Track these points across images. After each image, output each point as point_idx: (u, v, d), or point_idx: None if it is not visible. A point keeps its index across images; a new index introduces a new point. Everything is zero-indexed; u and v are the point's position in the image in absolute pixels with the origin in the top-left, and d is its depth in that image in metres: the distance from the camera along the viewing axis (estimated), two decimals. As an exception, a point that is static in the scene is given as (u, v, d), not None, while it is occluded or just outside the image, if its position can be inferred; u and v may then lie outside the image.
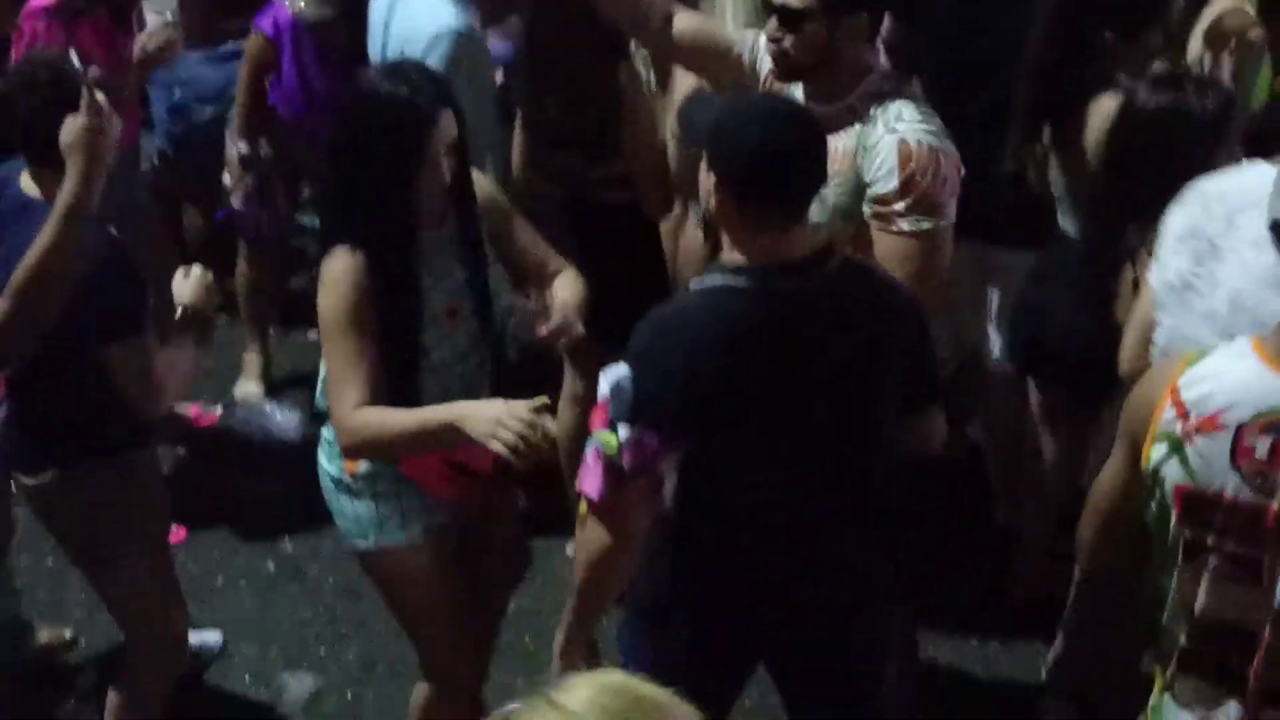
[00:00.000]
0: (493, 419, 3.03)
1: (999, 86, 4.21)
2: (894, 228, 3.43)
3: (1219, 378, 2.53)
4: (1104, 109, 3.90)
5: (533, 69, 4.72)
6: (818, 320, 2.87)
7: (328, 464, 3.55)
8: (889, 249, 3.42)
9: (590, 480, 2.87)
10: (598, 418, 2.86)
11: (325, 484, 3.58)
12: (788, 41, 3.47)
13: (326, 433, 3.52)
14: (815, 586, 3.02)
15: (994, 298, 4.60)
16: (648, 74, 4.51)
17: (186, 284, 3.66)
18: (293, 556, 5.13)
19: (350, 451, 3.32)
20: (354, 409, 3.20)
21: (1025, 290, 4.28)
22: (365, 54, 4.80)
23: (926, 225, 3.42)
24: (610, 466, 2.83)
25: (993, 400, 4.79)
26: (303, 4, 5.33)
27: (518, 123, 4.86)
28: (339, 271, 3.26)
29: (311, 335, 5.55)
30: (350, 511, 3.53)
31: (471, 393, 3.37)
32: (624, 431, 2.81)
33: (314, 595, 4.97)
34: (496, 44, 5.25)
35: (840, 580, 3.05)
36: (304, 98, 5.44)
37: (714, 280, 2.90)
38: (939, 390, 3.17)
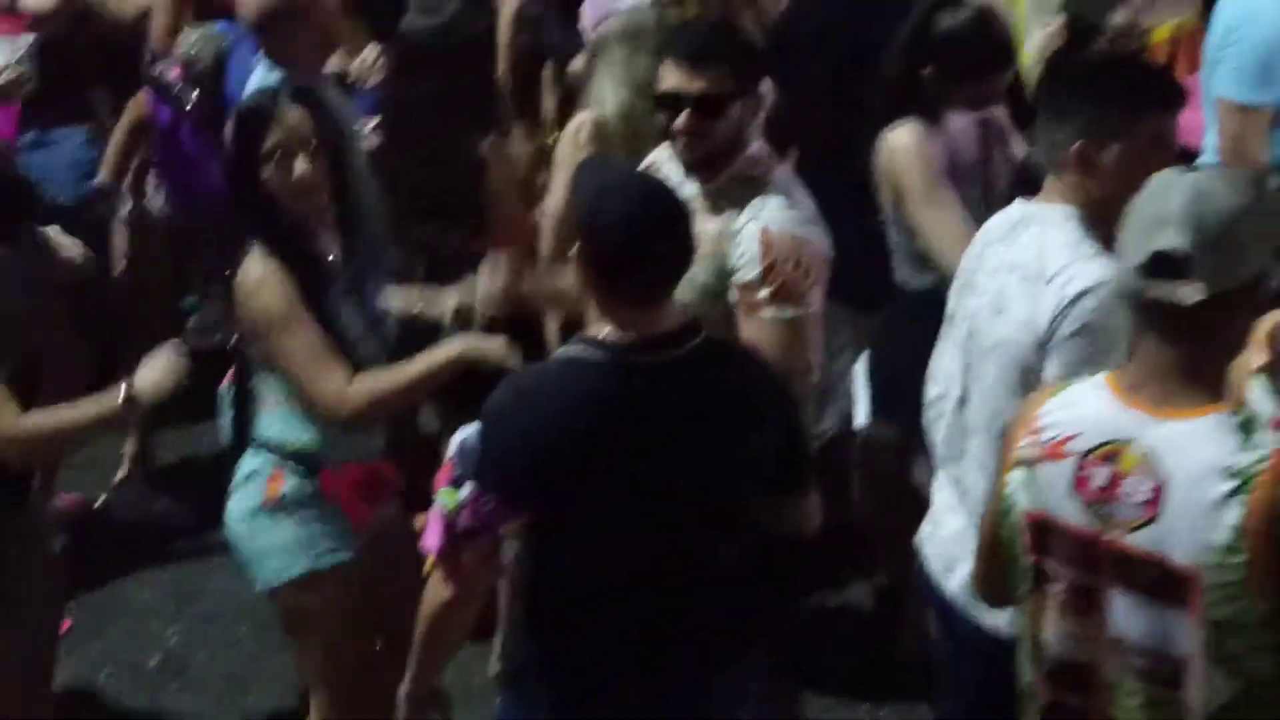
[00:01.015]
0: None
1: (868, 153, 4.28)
2: (757, 314, 3.48)
3: (1070, 408, 2.60)
4: (891, 143, 4.00)
5: (392, 133, 4.60)
6: (672, 399, 2.89)
7: (246, 498, 3.63)
8: (753, 334, 3.47)
9: (431, 535, 2.93)
10: (443, 474, 2.91)
11: (240, 525, 3.66)
12: (708, 132, 3.48)
13: (248, 464, 3.62)
14: (671, 656, 3.02)
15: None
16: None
17: (158, 368, 3.59)
18: (177, 648, 5.06)
19: (359, 421, 3.56)
20: (345, 385, 3.47)
21: (878, 347, 4.36)
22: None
23: (788, 314, 3.47)
24: (449, 524, 2.88)
25: (868, 461, 4.84)
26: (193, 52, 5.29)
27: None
28: (261, 275, 3.52)
29: (190, 426, 5.51)
30: (277, 539, 3.61)
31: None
32: (465, 490, 2.85)
33: (200, 687, 4.90)
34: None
35: (698, 652, 3.04)
36: (181, 157, 5.43)
37: (573, 350, 2.94)
38: (810, 474, 3.17)
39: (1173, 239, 2.45)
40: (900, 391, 4.21)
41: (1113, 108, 3.02)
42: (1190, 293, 2.43)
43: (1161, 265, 2.45)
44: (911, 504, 4.53)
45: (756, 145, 3.60)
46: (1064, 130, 3.05)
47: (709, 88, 3.45)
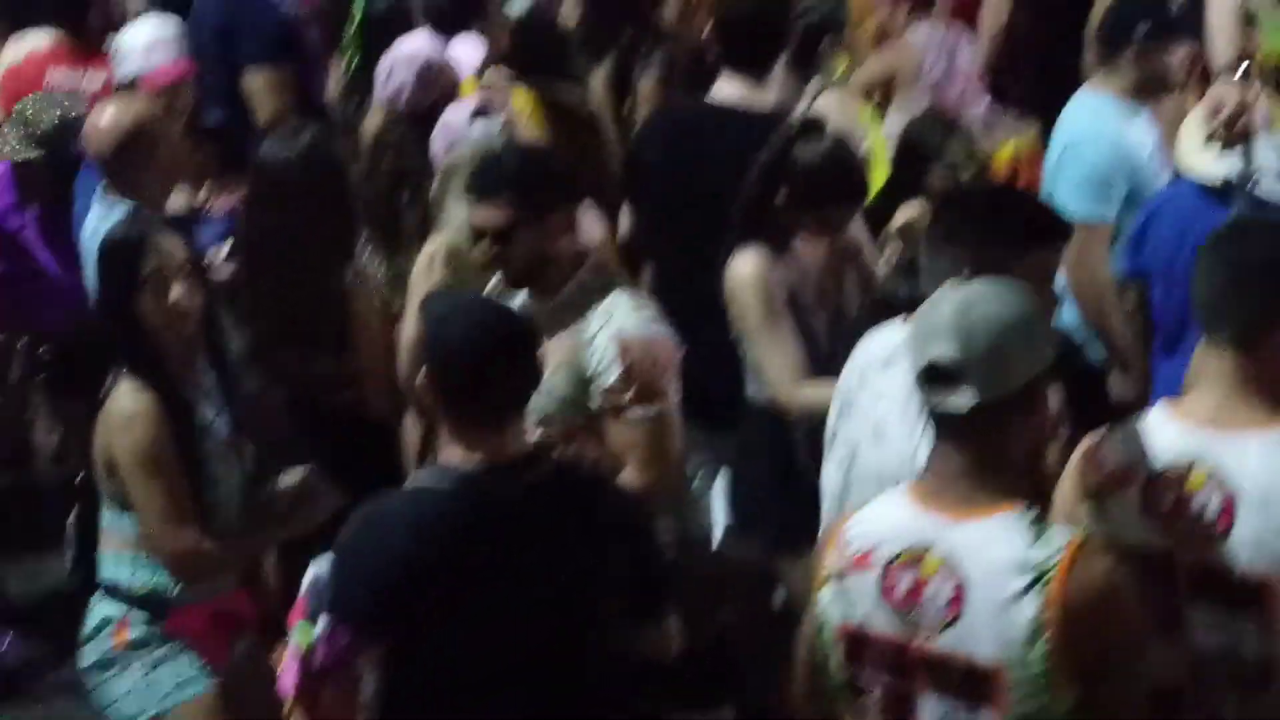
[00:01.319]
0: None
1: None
2: (623, 417, 3.56)
3: (874, 519, 2.68)
4: (734, 270, 4.07)
5: (250, 261, 4.54)
6: (521, 528, 2.89)
7: (96, 648, 3.60)
8: (619, 438, 3.57)
9: (287, 675, 2.88)
10: (298, 609, 2.88)
11: (92, 676, 3.63)
12: (506, 259, 3.61)
13: (96, 613, 3.60)
14: None
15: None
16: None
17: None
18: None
19: (197, 574, 3.55)
20: (195, 543, 3.47)
21: (735, 465, 4.39)
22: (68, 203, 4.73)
23: (653, 412, 3.57)
24: (305, 662, 2.83)
25: (729, 579, 4.84)
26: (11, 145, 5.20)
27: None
28: (132, 410, 3.49)
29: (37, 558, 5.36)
30: (128, 686, 3.57)
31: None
32: (320, 625, 2.82)
33: None
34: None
35: None
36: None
37: (423, 479, 2.96)
38: (666, 598, 3.14)
39: (944, 349, 2.54)
40: (759, 509, 4.25)
41: (1000, 242, 3.05)
42: (962, 401, 2.52)
43: (935, 375, 2.55)
44: (774, 622, 4.56)
45: (595, 257, 3.71)
46: (952, 263, 3.07)
47: (490, 219, 3.59)
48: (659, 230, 4.50)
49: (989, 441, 2.57)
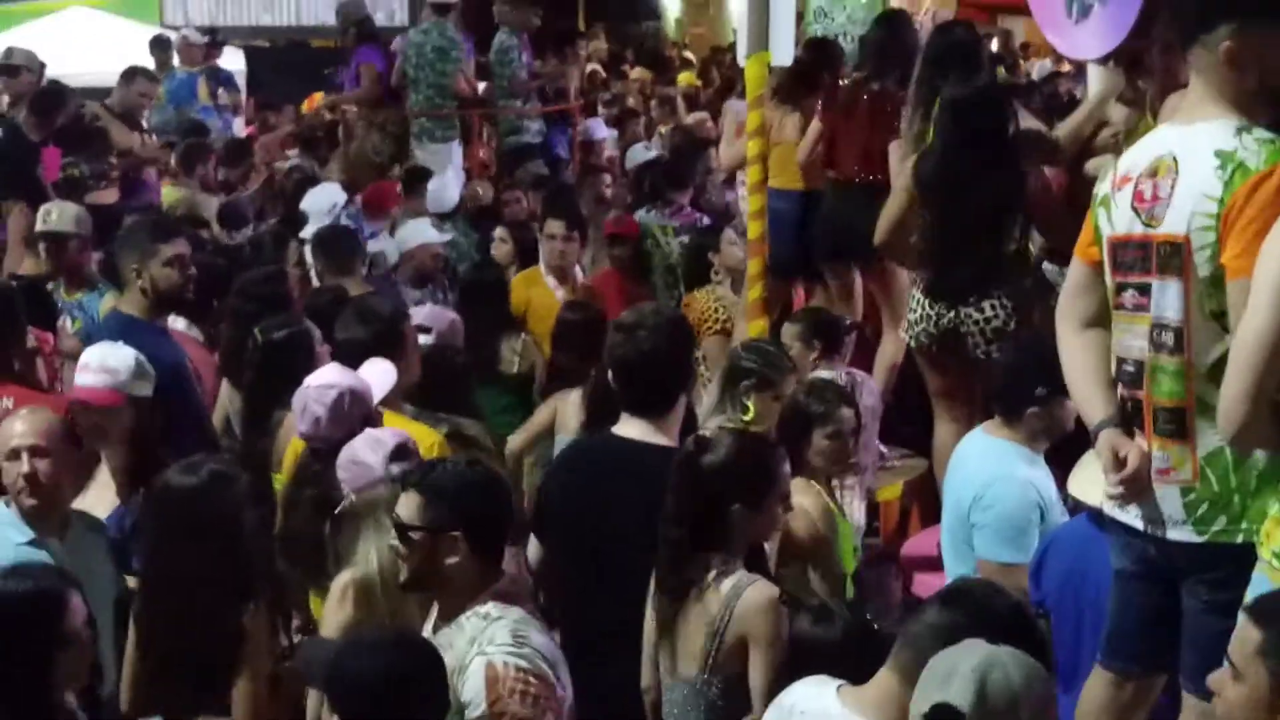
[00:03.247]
0: None
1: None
2: None
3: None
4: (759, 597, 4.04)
5: (145, 583, 4.45)
6: None
7: None
8: None
9: None
10: None
11: None
12: (401, 551, 3.69)
13: None
14: None
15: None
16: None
17: None
18: None
19: None
20: None
21: None
22: None
23: None
24: None
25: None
26: None
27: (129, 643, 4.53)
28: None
29: None
30: None
31: None
32: None
33: None
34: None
35: None
36: None
37: None
38: None
39: (956, 695, 2.67)
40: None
41: None
42: None
43: (940, 715, 2.68)
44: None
45: (505, 587, 3.70)
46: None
47: (399, 511, 3.69)
48: (566, 563, 4.54)
49: None
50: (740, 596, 3.96)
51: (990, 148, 6.05)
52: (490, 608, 3.65)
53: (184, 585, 4.27)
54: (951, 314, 6.14)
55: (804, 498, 4.78)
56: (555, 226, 7.64)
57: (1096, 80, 6.40)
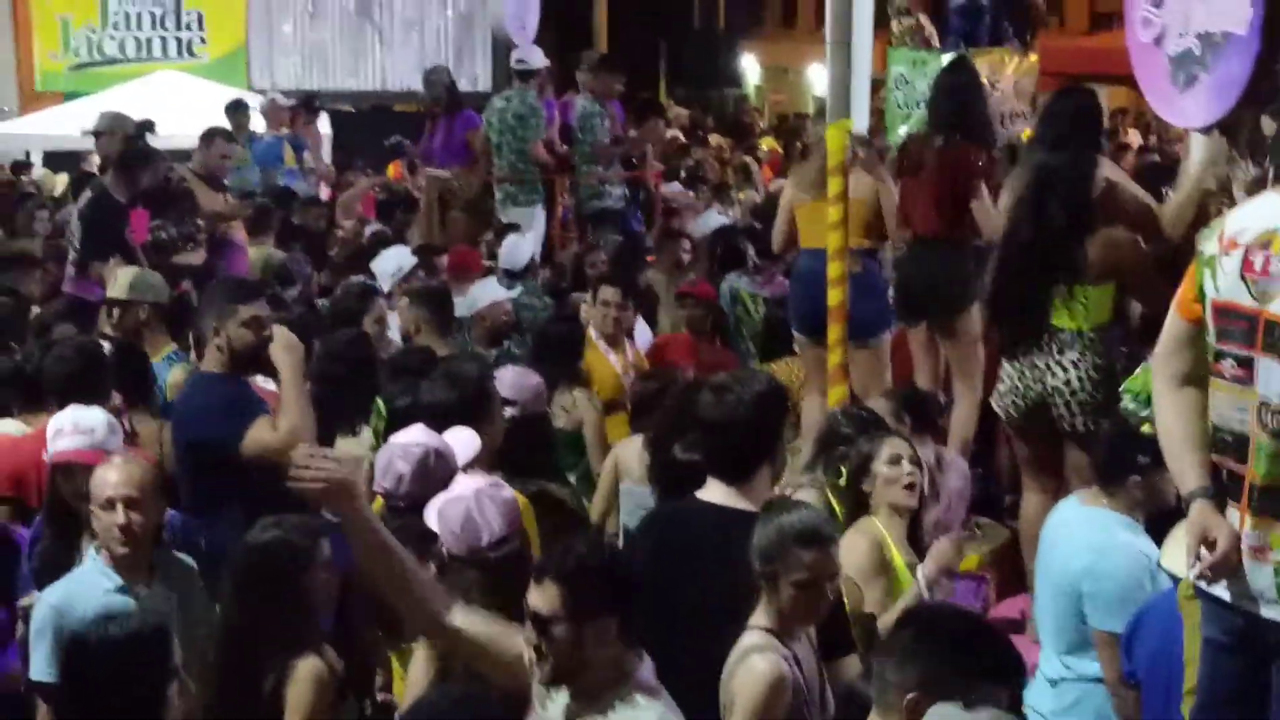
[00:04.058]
0: None
1: None
2: None
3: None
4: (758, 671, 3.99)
5: (216, 644, 4.40)
6: None
7: None
8: None
9: None
10: None
11: None
12: (542, 646, 3.53)
13: None
14: None
15: None
16: None
17: None
18: None
19: None
20: None
21: None
22: None
23: None
24: None
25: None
26: None
27: None
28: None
29: None
30: None
31: None
32: None
33: None
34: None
35: None
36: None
37: None
38: None
39: None
40: None
41: (950, 669, 3.11)
42: None
43: None
44: None
45: (643, 676, 3.61)
46: (900, 674, 3.17)
47: (539, 604, 3.53)
48: (649, 632, 4.51)
49: None
50: (741, 660, 3.93)
51: (1066, 213, 6.09)
52: (639, 698, 3.56)
53: (242, 635, 4.27)
54: (1039, 386, 6.18)
55: (857, 534, 4.74)
56: (609, 293, 7.65)
57: (1199, 148, 6.36)
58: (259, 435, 5.27)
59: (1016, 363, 6.28)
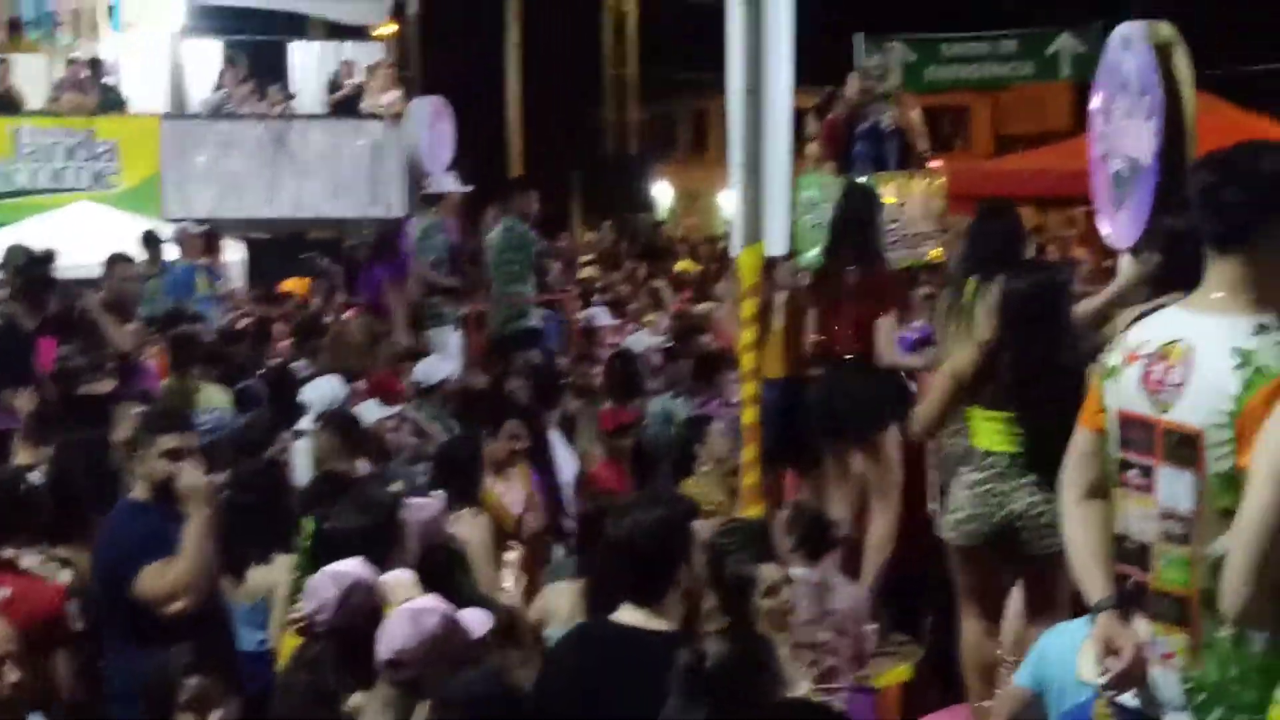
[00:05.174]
0: None
1: None
2: None
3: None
4: None
5: None
6: None
7: None
8: None
9: None
10: None
11: None
12: None
13: None
14: None
15: None
16: None
17: None
18: None
19: None
20: None
21: None
22: None
23: None
24: None
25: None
26: None
27: None
28: None
29: None
30: None
31: None
32: None
33: None
34: None
35: None
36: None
37: None
38: None
39: None
40: None
41: None
42: None
43: None
44: None
45: None
46: None
47: None
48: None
49: None
50: None
51: (1055, 339, 5.97)
52: None
53: None
54: (1003, 512, 5.95)
55: None
56: (513, 425, 7.57)
57: (1126, 266, 6.48)
58: (150, 580, 5.22)
59: (969, 491, 6.13)
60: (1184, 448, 3.59)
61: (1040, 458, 5.79)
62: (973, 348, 6.21)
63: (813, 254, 9.26)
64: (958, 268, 6.81)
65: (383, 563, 4.88)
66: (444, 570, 5.45)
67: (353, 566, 4.70)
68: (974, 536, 6.04)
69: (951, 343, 6.75)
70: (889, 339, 7.42)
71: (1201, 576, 3.58)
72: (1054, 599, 5.80)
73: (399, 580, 4.83)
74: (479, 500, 6.82)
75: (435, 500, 5.93)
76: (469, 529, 6.42)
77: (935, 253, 10.69)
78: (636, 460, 8.82)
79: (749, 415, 6.73)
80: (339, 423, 7.63)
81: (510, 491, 7.38)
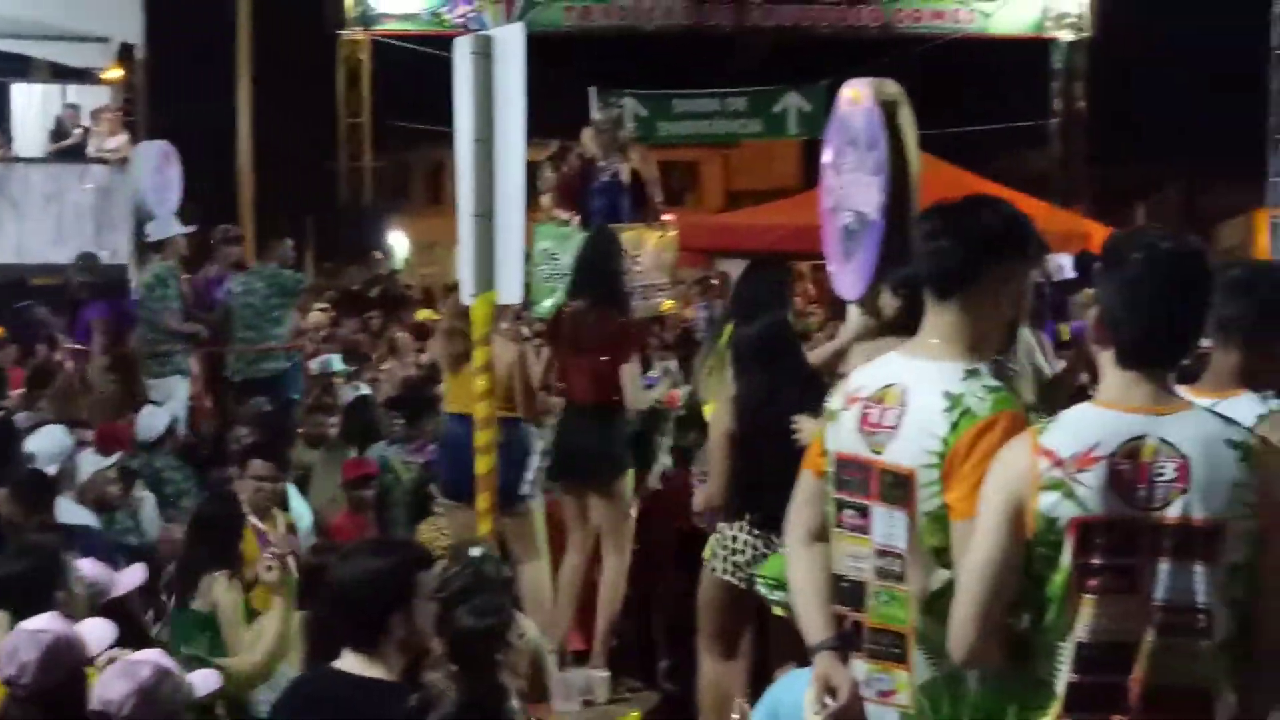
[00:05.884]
0: None
1: None
2: None
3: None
4: None
5: None
6: None
7: None
8: None
9: None
10: None
11: None
12: None
13: None
14: None
15: None
16: None
17: None
18: None
19: None
20: None
21: None
22: None
23: None
24: None
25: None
26: None
27: None
28: None
29: None
30: None
31: None
32: None
33: None
34: None
35: None
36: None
37: None
38: None
39: None
40: None
41: None
42: None
43: None
44: None
45: None
46: None
47: None
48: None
49: None
50: None
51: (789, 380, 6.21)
52: None
53: None
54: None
55: None
56: (259, 467, 7.41)
57: (855, 318, 6.70)
58: None
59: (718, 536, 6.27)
60: (897, 488, 3.71)
61: (757, 501, 6.00)
62: (726, 401, 6.40)
63: (548, 303, 9.37)
64: (722, 313, 6.96)
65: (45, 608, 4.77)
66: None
67: (48, 622, 4.57)
68: (721, 586, 6.18)
69: (703, 384, 6.91)
70: (635, 384, 7.54)
71: (916, 614, 3.70)
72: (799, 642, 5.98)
73: (93, 632, 4.73)
74: (234, 562, 6.67)
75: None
76: (222, 593, 6.32)
77: (667, 304, 10.88)
78: (380, 510, 8.78)
79: (483, 464, 6.73)
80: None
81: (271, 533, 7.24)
